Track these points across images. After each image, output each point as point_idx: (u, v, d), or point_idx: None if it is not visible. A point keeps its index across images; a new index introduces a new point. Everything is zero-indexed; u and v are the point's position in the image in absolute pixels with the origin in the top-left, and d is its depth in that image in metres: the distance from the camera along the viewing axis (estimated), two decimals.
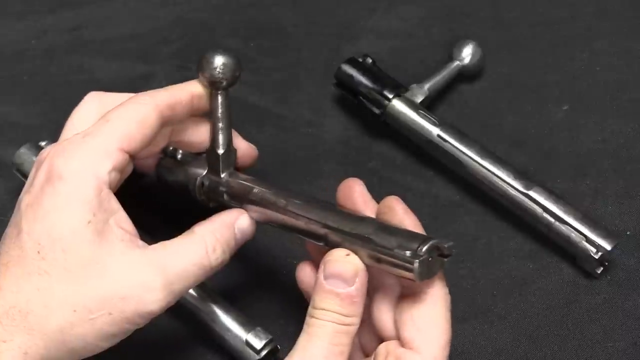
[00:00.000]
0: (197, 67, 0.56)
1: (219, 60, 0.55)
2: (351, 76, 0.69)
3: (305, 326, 0.49)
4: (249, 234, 0.54)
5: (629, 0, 0.79)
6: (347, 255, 0.48)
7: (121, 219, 0.51)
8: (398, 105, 0.68)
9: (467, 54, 0.72)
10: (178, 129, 0.57)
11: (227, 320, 0.57)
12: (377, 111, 0.68)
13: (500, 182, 0.64)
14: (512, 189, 0.63)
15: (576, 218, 0.62)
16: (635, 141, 0.70)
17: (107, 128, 0.51)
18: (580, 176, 0.68)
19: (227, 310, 0.57)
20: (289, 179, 0.68)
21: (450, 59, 0.72)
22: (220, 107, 0.56)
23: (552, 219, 0.62)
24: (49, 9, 0.78)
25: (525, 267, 0.64)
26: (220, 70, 0.55)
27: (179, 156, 0.58)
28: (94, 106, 0.55)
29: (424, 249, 0.45)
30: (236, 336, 0.57)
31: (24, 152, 0.64)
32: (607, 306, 0.62)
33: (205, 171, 0.57)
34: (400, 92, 0.68)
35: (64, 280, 0.48)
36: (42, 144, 0.65)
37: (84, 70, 0.74)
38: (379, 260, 0.47)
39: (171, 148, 0.59)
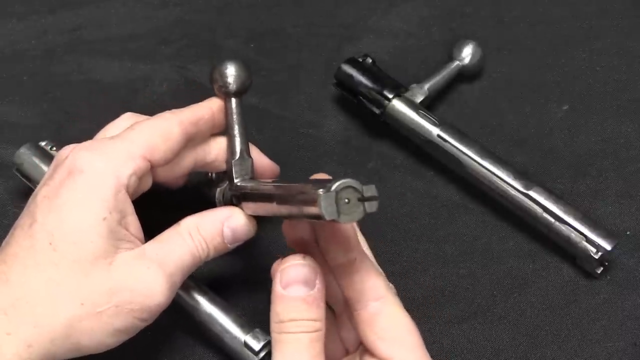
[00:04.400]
0: (209, 77, 0.58)
1: (227, 70, 0.57)
2: (351, 76, 0.69)
3: (276, 344, 0.48)
4: (244, 232, 0.54)
5: (630, 0, 0.79)
6: (304, 257, 0.48)
7: (132, 223, 0.52)
8: (398, 105, 0.68)
9: (467, 54, 0.72)
10: (202, 153, 0.57)
11: (225, 322, 0.57)
12: (377, 111, 0.68)
13: (500, 182, 0.64)
14: (512, 189, 0.63)
15: (576, 218, 0.62)
16: (635, 141, 0.70)
17: (132, 135, 0.53)
18: (580, 176, 0.68)
19: (226, 311, 0.57)
20: (289, 180, 0.67)
21: (450, 59, 0.72)
22: (232, 115, 0.57)
23: (552, 219, 0.62)
24: (49, 9, 0.78)
25: (525, 267, 0.64)
26: (230, 79, 0.57)
27: (214, 176, 0.60)
28: (128, 123, 0.56)
29: (334, 186, 0.43)
30: (235, 337, 0.57)
31: (24, 152, 0.64)
32: (607, 306, 0.62)
33: (226, 183, 0.58)
34: (400, 92, 0.68)
35: (72, 273, 0.49)
36: (42, 144, 0.65)
37: (84, 70, 0.74)
38: (300, 203, 0.46)
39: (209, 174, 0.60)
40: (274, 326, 0.48)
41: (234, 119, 0.57)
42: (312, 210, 0.44)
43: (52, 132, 0.69)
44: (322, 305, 0.48)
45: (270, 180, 0.54)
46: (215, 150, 0.58)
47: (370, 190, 0.45)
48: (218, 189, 0.58)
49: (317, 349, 0.47)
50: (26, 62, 0.75)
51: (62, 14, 0.78)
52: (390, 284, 0.52)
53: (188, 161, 0.57)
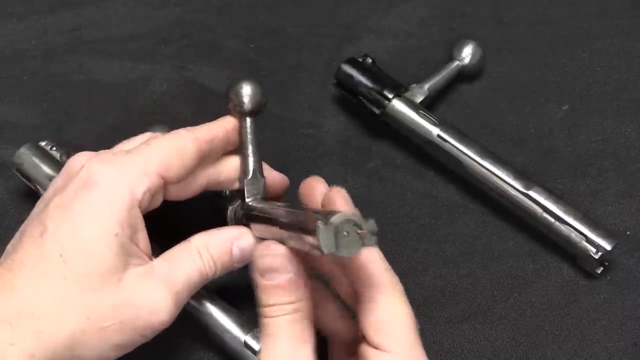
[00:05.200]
0: (224, 96, 0.58)
1: (243, 89, 0.57)
2: (351, 76, 0.69)
3: (262, 329, 0.49)
4: (252, 253, 0.54)
5: (630, 0, 0.79)
6: (270, 246, 0.49)
7: (142, 239, 0.52)
8: (398, 105, 0.68)
9: (467, 54, 0.72)
10: (215, 171, 0.57)
11: (225, 322, 0.57)
12: (377, 111, 0.68)
13: (500, 182, 0.64)
14: (512, 189, 0.63)
15: (576, 218, 0.62)
16: (635, 141, 0.70)
17: (148, 151, 0.53)
18: (580, 176, 0.68)
19: (226, 311, 0.57)
20: (289, 180, 0.68)
21: (450, 59, 0.72)
22: (246, 134, 0.57)
23: (552, 219, 0.62)
24: (49, 9, 0.78)
25: (525, 267, 0.64)
26: (245, 99, 0.57)
27: (227, 193, 0.60)
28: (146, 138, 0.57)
29: (332, 218, 0.43)
30: (235, 337, 0.57)
31: (24, 152, 0.64)
32: (607, 306, 0.62)
33: (239, 202, 0.58)
34: (400, 92, 0.68)
35: (81, 287, 0.49)
36: (42, 144, 0.65)
37: (84, 70, 0.74)
38: (300, 232, 0.46)
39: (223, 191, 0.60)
40: (259, 310, 0.49)
41: (248, 139, 0.57)
42: (311, 240, 0.44)
43: (52, 132, 0.69)
44: (301, 284, 0.49)
45: (281, 204, 0.54)
46: (228, 169, 0.58)
47: (370, 225, 0.45)
48: (230, 207, 0.58)
49: (298, 328, 0.48)
50: (26, 62, 0.75)
51: (62, 14, 0.78)
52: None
53: (201, 180, 0.57)
